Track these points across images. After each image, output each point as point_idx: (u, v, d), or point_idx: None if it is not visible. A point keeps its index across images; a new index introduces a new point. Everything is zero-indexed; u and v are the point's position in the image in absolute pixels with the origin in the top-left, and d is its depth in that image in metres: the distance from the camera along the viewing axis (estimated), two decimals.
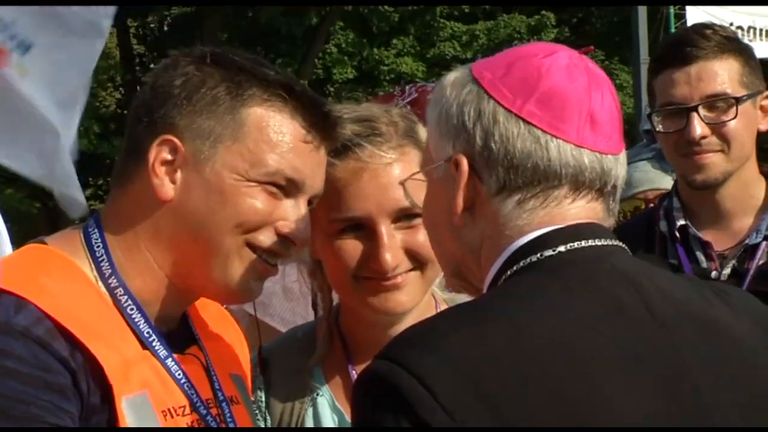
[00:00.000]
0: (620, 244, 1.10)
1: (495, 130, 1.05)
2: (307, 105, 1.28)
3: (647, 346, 1.04)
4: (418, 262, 1.43)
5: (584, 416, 0.99)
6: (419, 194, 1.21)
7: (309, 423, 1.51)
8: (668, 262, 2.10)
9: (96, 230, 1.26)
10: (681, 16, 13.30)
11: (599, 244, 1.06)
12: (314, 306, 1.65)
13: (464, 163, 1.05)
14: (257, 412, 1.47)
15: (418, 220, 1.37)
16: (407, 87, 2.20)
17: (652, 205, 2.71)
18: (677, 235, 2.12)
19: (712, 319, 1.11)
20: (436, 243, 1.19)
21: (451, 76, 1.12)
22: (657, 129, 2.13)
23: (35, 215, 17.59)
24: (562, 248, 1.03)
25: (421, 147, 1.41)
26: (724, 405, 1.06)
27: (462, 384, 0.96)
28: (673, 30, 12.94)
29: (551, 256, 1.03)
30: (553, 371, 0.99)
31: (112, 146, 16.80)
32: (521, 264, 1.04)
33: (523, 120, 1.05)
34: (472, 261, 1.10)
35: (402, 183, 1.25)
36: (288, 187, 1.25)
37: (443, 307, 1.51)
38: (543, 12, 20.47)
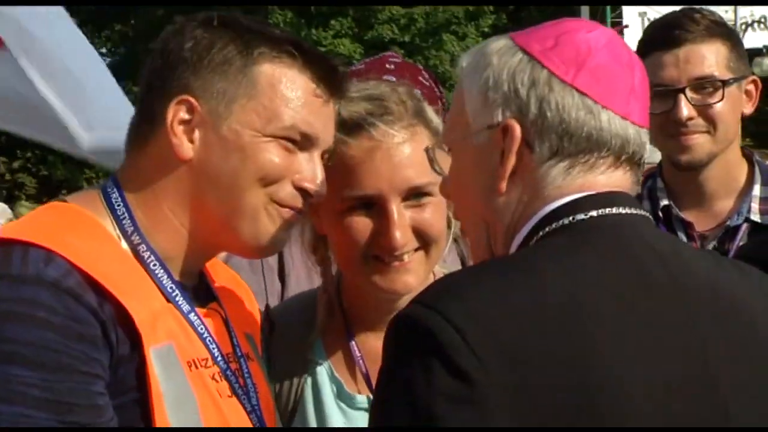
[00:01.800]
0: (646, 214, 1.15)
1: (551, 97, 1.09)
2: (315, 60, 1.32)
3: (666, 314, 1.08)
4: (424, 241, 1.47)
5: (594, 376, 1.03)
6: (436, 166, 1.27)
7: (308, 391, 1.55)
8: None
9: (115, 190, 1.29)
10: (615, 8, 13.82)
11: (629, 212, 1.11)
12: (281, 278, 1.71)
13: (517, 129, 1.09)
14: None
15: (427, 199, 1.45)
16: (388, 55, 2.24)
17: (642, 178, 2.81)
18: (660, 215, 2.16)
19: (732, 294, 1.16)
20: (466, 210, 1.22)
21: (494, 45, 1.14)
22: None
23: None
24: (593, 213, 1.07)
25: (429, 126, 1.47)
26: (734, 379, 1.11)
27: (488, 331, 1.00)
28: (609, 21, 13.34)
29: (583, 219, 1.07)
30: (572, 329, 1.03)
31: None
32: (553, 226, 1.08)
33: (577, 90, 1.09)
34: (501, 227, 1.14)
35: (427, 150, 1.28)
36: (302, 142, 1.29)
37: None
38: None
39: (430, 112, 1.49)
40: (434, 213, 1.46)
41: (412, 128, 1.46)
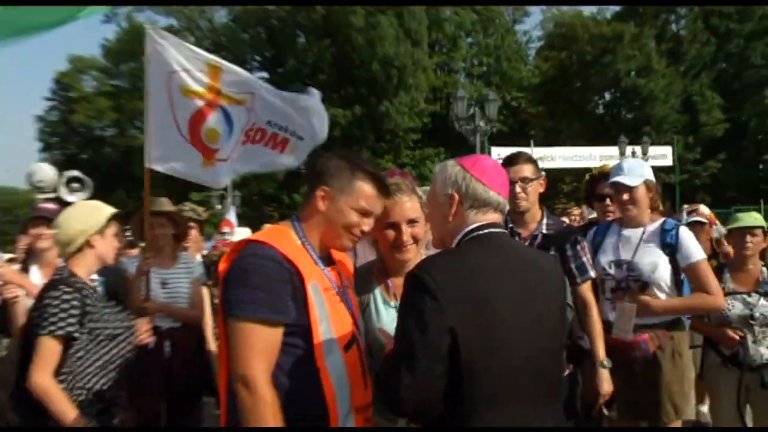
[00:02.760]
0: (506, 231, 2.27)
1: (470, 184, 2.22)
2: (378, 182, 2.51)
3: (515, 270, 2.13)
4: (415, 240, 2.77)
5: (486, 298, 2.00)
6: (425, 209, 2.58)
7: (371, 300, 2.81)
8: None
9: (297, 221, 2.52)
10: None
11: (500, 230, 2.21)
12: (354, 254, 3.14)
13: (456, 197, 2.22)
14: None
15: (416, 223, 2.77)
16: (396, 169, 3.57)
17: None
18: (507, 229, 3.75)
19: (538, 262, 2.26)
20: (435, 228, 2.37)
21: (449, 162, 2.30)
22: None
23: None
24: (487, 230, 2.18)
25: (416, 195, 2.79)
26: (541, 307, 2.15)
27: (446, 278, 1.99)
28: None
29: (481, 233, 2.17)
30: (478, 281, 2.03)
31: None
32: (470, 236, 2.17)
33: (480, 181, 2.22)
34: (448, 236, 2.24)
35: (423, 206, 2.69)
36: (366, 213, 2.50)
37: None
38: None
39: (416, 189, 2.83)
40: (420, 229, 2.77)
41: (410, 195, 2.77)
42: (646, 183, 4.10)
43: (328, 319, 2.37)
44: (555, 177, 33.69)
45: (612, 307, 4.05)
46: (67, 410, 2.88)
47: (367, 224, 2.51)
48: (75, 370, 2.97)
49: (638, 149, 29.23)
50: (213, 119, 4.76)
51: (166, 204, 5.39)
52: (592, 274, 3.92)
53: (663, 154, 33.78)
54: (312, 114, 4.78)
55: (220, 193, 31.13)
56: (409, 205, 2.75)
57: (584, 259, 3.87)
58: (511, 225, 3.94)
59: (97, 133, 50.67)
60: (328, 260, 2.56)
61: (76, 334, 2.98)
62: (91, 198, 8.03)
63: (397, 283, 2.74)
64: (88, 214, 3.20)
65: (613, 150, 29.06)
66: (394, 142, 43.03)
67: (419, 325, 1.97)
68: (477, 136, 19.17)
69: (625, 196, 4.09)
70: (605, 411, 3.88)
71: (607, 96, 46.95)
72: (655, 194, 4.14)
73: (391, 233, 2.77)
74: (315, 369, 2.32)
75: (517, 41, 49.93)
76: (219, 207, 31.28)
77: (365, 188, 2.48)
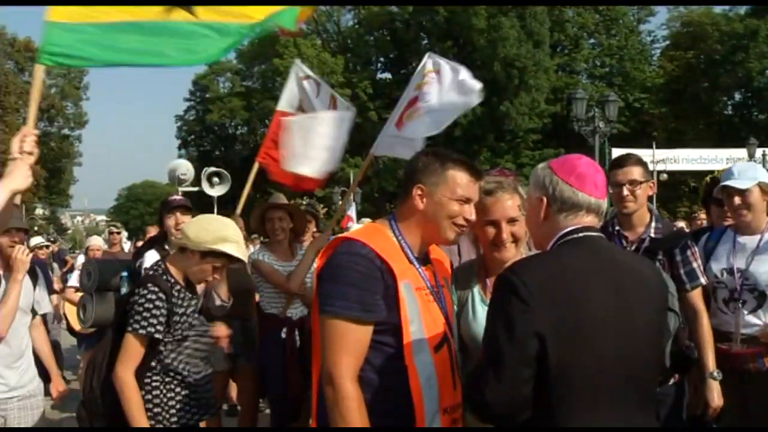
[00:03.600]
0: (602, 234, 2.17)
1: (557, 186, 2.14)
2: (469, 168, 2.46)
3: (609, 273, 2.02)
4: (515, 239, 2.73)
5: (579, 308, 1.93)
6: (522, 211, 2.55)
7: (470, 297, 2.80)
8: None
9: (393, 220, 2.49)
10: None
11: (596, 234, 2.12)
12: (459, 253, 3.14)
13: (544, 200, 2.16)
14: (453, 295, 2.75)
15: (516, 222, 2.71)
16: (500, 168, 3.59)
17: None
18: (614, 231, 3.76)
19: (638, 268, 2.15)
20: (530, 230, 2.35)
21: (541, 165, 2.25)
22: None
23: None
24: (580, 234, 2.09)
25: (518, 193, 2.73)
26: (636, 312, 2.03)
27: (536, 281, 1.92)
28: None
29: (576, 237, 2.09)
30: (570, 284, 1.96)
31: None
32: (565, 239, 2.10)
33: (568, 184, 2.13)
34: (543, 239, 2.18)
35: (518, 205, 2.63)
36: (465, 200, 2.45)
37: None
38: None
39: (518, 188, 2.77)
40: (520, 228, 2.71)
41: (512, 193, 2.72)
42: (760, 186, 3.83)
43: (420, 318, 2.35)
44: (678, 180, 32.28)
45: (724, 317, 3.82)
46: (133, 409, 2.97)
47: (468, 211, 2.48)
48: (163, 367, 3.08)
49: None
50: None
51: (282, 198, 5.56)
52: (703, 280, 3.72)
53: None
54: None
55: (341, 189, 31.77)
56: (510, 203, 2.73)
57: (694, 265, 3.68)
58: (617, 228, 3.83)
59: (229, 131, 53.14)
60: (424, 260, 2.54)
61: (158, 336, 3.06)
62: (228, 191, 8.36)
63: (494, 281, 2.70)
64: (225, 230, 3.21)
65: (742, 152, 27.49)
66: (513, 142, 42.71)
67: (507, 329, 1.93)
68: (596, 137, 18.65)
69: (737, 200, 3.85)
70: (714, 425, 3.67)
71: (737, 96, 44.44)
72: None
73: (491, 231, 2.75)
74: (403, 367, 2.30)
75: (642, 41, 48.08)
76: (340, 203, 31.92)
77: (458, 176, 2.46)
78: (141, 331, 2.98)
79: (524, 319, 1.91)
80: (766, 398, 3.68)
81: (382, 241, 2.41)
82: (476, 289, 2.85)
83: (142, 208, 78.75)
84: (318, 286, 2.37)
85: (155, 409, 3.08)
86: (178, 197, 5.40)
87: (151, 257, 4.47)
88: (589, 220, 2.17)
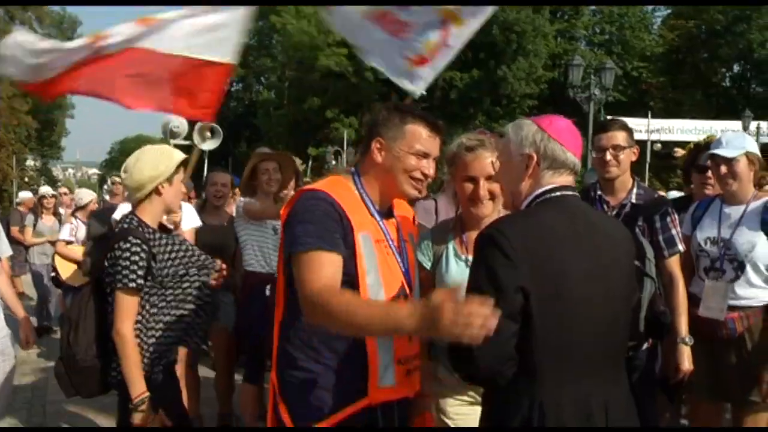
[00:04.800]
0: (577, 194, 2.16)
1: (548, 144, 2.14)
2: (428, 123, 2.47)
3: (585, 235, 2.05)
4: (492, 197, 2.76)
5: (558, 262, 1.95)
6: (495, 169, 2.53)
7: (444, 252, 2.87)
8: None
9: (356, 174, 2.52)
10: None
11: (572, 193, 2.13)
12: (436, 212, 3.14)
13: (534, 157, 2.13)
14: (419, 251, 2.81)
15: (494, 180, 2.72)
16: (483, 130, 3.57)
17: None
18: (594, 197, 3.78)
19: (608, 229, 2.19)
20: (506, 188, 2.34)
21: (525, 121, 2.21)
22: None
23: None
24: (558, 193, 2.10)
25: (497, 151, 2.65)
26: (611, 266, 2.08)
27: (517, 237, 1.94)
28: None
29: (555, 195, 2.10)
30: (549, 243, 1.98)
31: None
32: (542, 198, 2.10)
33: (557, 141, 2.14)
34: (520, 196, 2.16)
35: (492, 163, 2.62)
36: (423, 155, 2.45)
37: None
38: None
39: (497, 146, 2.73)
40: (497, 187, 2.72)
41: (492, 152, 2.73)
42: (748, 155, 3.82)
43: (377, 270, 2.36)
44: (672, 150, 32.19)
45: (703, 285, 3.86)
46: (131, 366, 2.95)
47: (426, 166, 2.47)
48: (146, 315, 3.05)
49: (764, 125, 27.43)
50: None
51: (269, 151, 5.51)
52: (681, 247, 3.74)
53: None
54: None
55: (335, 149, 31.63)
56: (490, 161, 2.75)
57: (673, 232, 3.70)
58: (599, 192, 3.84)
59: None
60: (387, 214, 2.57)
61: (145, 287, 3.03)
62: (219, 146, 8.31)
63: (472, 237, 2.72)
64: (158, 161, 3.15)
65: (737, 124, 27.45)
66: (509, 107, 42.43)
67: (492, 282, 1.92)
68: (591, 104, 18.58)
69: (724, 169, 3.83)
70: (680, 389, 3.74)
71: (736, 68, 44.21)
72: (759, 168, 3.87)
73: (469, 186, 2.80)
74: None
75: (643, 10, 47.65)
76: (334, 163, 31.85)
77: (417, 130, 2.47)
78: (131, 284, 2.97)
79: (508, 273, 1.92)
80: (736, 362, 3.75)
81: (344, 192, 2.43)
82: (451, 244, 2.89)
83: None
84: (284, 234, 2.37)
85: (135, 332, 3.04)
86: None
87: (122, 209, 4.41)
88: (569, 179, 2.19)
